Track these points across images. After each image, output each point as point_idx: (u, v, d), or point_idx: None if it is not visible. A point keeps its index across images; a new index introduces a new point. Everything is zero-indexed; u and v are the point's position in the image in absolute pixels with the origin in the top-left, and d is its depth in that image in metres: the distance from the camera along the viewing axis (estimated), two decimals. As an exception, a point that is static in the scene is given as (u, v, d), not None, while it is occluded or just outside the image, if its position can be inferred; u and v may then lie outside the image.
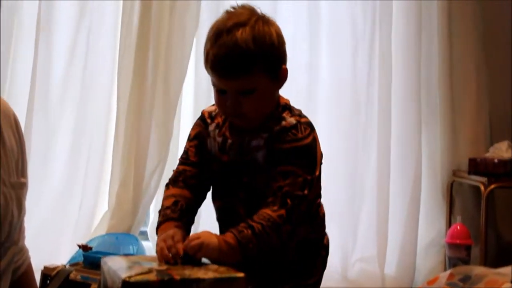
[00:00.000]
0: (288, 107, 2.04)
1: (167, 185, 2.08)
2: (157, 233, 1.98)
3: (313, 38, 3.99)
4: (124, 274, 1.44)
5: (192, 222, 2.04)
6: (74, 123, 3.78)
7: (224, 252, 1.80)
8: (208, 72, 1.96)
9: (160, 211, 2.03)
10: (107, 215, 3.71)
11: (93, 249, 3.07)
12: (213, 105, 2.09)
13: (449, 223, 3.95)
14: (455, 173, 3.98)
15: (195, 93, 3.91)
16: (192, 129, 2.13)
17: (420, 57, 4.01)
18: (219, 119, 2.07)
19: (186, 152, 2.11)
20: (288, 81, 3.83)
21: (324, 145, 3.91)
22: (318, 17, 3.99)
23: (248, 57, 1.90)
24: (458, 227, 3.81)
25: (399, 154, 3.99)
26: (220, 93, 1.96)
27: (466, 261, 3.70)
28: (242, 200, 2.00)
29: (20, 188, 1.78)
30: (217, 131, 2.06)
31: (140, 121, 3.72)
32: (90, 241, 3.40)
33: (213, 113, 2.09)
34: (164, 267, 1.60)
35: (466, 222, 3.86)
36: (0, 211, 1.67)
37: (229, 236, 1.83)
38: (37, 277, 2.42)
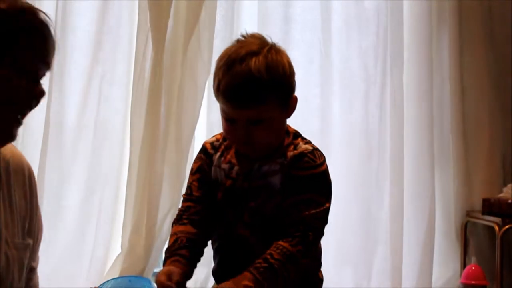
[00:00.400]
0: (299, 135, 2.07)
1: (172, 224, 2.08)
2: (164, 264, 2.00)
3: (325, 83, 4.01)
4: None
5: (200, 254, 2.04)
6: (87, 169, 3.80)
7: None
8: (218, 100, 1.97)
9: (166, 250, 2.02)
10: (120, 258, 3.71)
11: (107, 293, 3.07)
12: (214, 136, 2.14)
13: (464, 264, 3.93)
14: (469, 213, 3.96)
15: (207, 137, 3.92)
16: (194, 162, 2.13)
17: (432, 101, 4.02)
18: (223, 148, 2.08)
19: (189, 187, 2.11)
20: (300, 125, 3.84)
21: (337, 188, 3.92)
22: (330, 62, 4.02)
23: (261, 87, 1.90)
24: (473, 268, 3.79)
25: (412, 195, 3.98)
26: (229, 122, 1.96)
27: (482, 302, 3.68)
28: (247, 224, 2.00)
29: (23, 249, 1.75)
30: (222, 159, 2.07)
31: (153, 166, 3.73)
32: (103, 284, 3.39)
33: (215, 143, 2.11)
34: None
35: (481, 263, 3.84)
36: (2, 273, 1.65)
37: (246, 278, 1.82)
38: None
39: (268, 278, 1.83)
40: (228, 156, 2.06)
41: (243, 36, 2.01)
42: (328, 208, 1.98)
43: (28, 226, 1.78)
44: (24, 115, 1.63)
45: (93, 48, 3.82)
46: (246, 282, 1.80)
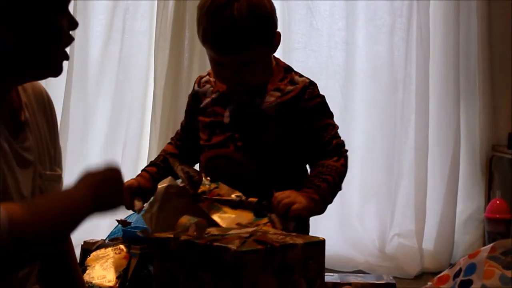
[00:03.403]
0: (291, 69, 2.13)
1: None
2: None
3: (350, 16, 3.99)
4: (233, 246, 1.47)
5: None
6: (112, 102, 3.83)
7: (311, 209, 1.92)
8: (205, 47, 2.00)
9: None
10: (145, 192, 3.74)
11: (132, 224, 3.10)
12: (207, 72, 2.18)
13: (488, 198, 3.93)
14: (494, 147, 3.95)
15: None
16: (188, 96, 2.25)
17: (458, 32, 3.98)
18: (212, 82, 2.13)
19: (177, 132, 2.31)
20: (325, 59, 3.86)
21: (362, 122, 3.96)
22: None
23: (247, 33, 1.93)
24: (498, 202, 3.80)
25: (437, 129, 3.97)
26: (218, 64, 2.01)
27: (506, 236, 3.68)
28: (239, 148, 2.06)
29: (54, 181, 1.77)
30: (211, 89, 2.13)
31: (177, 100, 3.75)
32: (129, 216, 3.42)
33: (206, 77, 2.17)
34: (254, 233, 1.64)
35: (506, 197, 3.84)
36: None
37: (311, 192, 1.94)
38: (77, 252, 2.46)
39: (327, 191, 1.98)
40: (217, 86, 2.12)
41: None
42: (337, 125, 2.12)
43: (54, 156, 1.80)
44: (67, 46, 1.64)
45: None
46: (312, 195, 1.93)
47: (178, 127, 3.65)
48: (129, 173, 3.79)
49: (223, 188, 1.92)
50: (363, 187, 3.89)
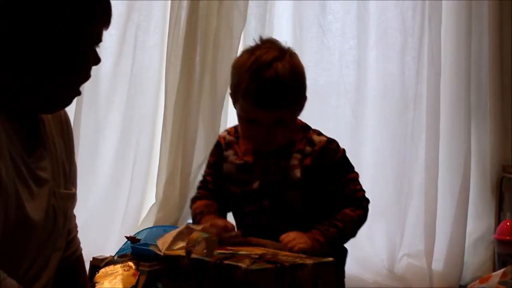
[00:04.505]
0: (308, 127, 2.25)
1: (192, 202, 2.33)
2: (198, 223, 2.17)
3: (361, 35, 3.99)
4: (243, 264, 1.47)
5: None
6: (123, 117, 3.82)
7: (315, 249, 2.01)
8: (243, 103, 2.10)
9: (196, 214, 2.25)
10: (154, 208, 3.75)
11: (141, 241, 3.10)
12: (226, 130, 2.33)
13: (499, 219, 3.91)
14: (505, 168, 3.94)
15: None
16: (210, 156, 2.34)
17: (470, 52, 3.98)
18: (236, 147, 2.25)
19: (205, 178, 2.34)
20: (336, 77, 3.87)
21: (372, 140, 3.95)
22: (367, 13, 3.98)
23: (288, 91, 2.07)
24: (508, 224, 3.77)
25: (448, 149, 3.97)
26: (250, 122, 2.12)
27: (515, 258, 3.67)
28: (268, 214, 2.18)
29: (68, 199, 1.77)
30: (235, 157, 2.24)
31: (188, 115, 3.75)
32: (138, 233, 3.42)
33: (227, 138, 2.28)
34: (263, 254, 1.64)
35: (516, 219, 3.82)
36: (49, 223, 1.67)
37: (317, 234, 2.08)
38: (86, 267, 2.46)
39: (335, 236, 2.11)
40: (240, 154, 2.23)
41: (261, 41, 2.16)
42: (358, 176, 2.24)
43: (68, 173, 1.81)
44: (82, 83, 1.66)
45: (129, -3, 3.82)
46: (317, 237, 2.07)
47: (189, 143, 3.71)
48: (138, 188, 3.85)
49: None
50: (373, 206, 3.81)
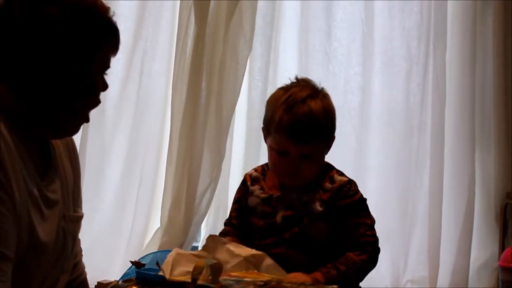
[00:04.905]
0: (331, 166, 2.36)
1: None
2: None
3: (366, 62, 4.00)
4: None
5: None
6: (128, 142, 3.83)
7: None
8: (275, 135, 2.24)
9: None
10: (159, 232, 3.75)
11: (146, 266, 3.09)
12: (254, 168, 2.45)
13: (503, 246, 3.90)
14: (509, 195, 3.93)
15: (248, 115, 3.95)
16: (236, 192, 2.46)
17: (474, 80, 3.99)
18: (262, 182, 2.38)
19: (230, 214, 2.46)
20: (341, 103, 3.88)
21: (376, 167, 3.96)
22: (371, 41, 4.00)
23: (320, 127, 2.22)
24: (512, 251, 3.77)
25: (452, 175, 3.96)
26: (281, 154, 2.25)
27: (519, 285, 3.66)
28: (290, 246, 2.27)
29: (77, 221, 1.80)
30: (260, 191, 2.35)
31: (193, 141, 3.75)
32: (143, 257, 3.42)
33: (254, 175, 2.41)
34: (268, 281, 1.65)
35: (520, 246, 3.81)
36: (58, 245, 1.69)
37: (319, 275, 2.15)
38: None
39: (336, 278, 2.15)
40: (266, 189, 2.35)
41: (296, 79, 2.33)
42: (373, 222, 2.34)
43: (77, 197, 1.83)
44: (91, 109, 1.69)
45: (136, 23, 3.83)
46: (318, 278, 2.13)
47: (194, 168, 3.72)
48: (143, 212, 3.85)
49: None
50: (377, 231, 3.86)
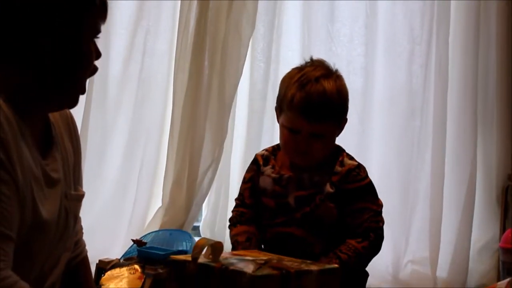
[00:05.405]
0: (342, 150, 2.37)
1: (230, 226, 2.44)
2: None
3: (369, 42, 4.00)
4: (248, 270, 1.48)
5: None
6: (130, 122, 3.83)
7: None
8: (288, 113, 2.25)
9: (235, 244, 2.36)
10: (160, 211, 3.75)
11: (147, 245, 3.11)
12: (265, 149, 2.47)
13: (504, 227, 3.91)
14: (510, 177, 3.94)
15: (250, 94, 3.95)
16: (247, 172, 2.47)
17: (477, 61, 3.98)
18: (273, 161, 2.39)
19: (241, 194, 2.46)
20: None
21: (378, 148, 3.96)
22: (375, 21, 3.99)
23: (332, 106, 2.21)
24: (513, 232, 3.77)
25: (454, 157, 3.96)
26: (293, 132, 2.25)
27: (520, 266, 3.67)
28: (300, 225, 2.29)
29: (78, 200, 1.80)
30: (272, 170, 2.37)
31: (195, 120, 3.75)
32: (144, 236, 3.43)
33: (265, 155, 2.43)
34: (269, 259, 1.65)
35: (521, 228, 3.82)
36: (61, 224, 1.70)
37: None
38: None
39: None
40: (277, 168, 2.36)
41: (310, 60, 2.33)
42: (380, 208, 2.35)
43: (78, 174, 1.83)
44: (88, 77, 1.68)
45: (138, 2, 3.82)
46: None
47: (196, 148, 3.72)
48: (145, 192, 3.86)
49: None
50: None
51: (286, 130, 2.27)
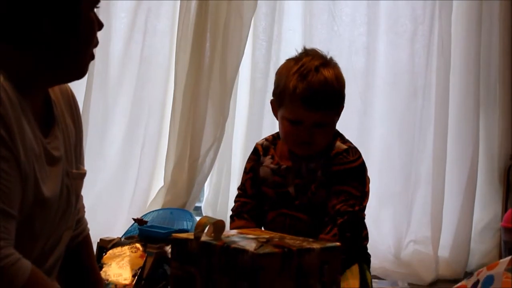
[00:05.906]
0: (339, 134, 2.35)
1: (232, 217, 2.42)
2: None
3: (371, 22, 3.99)
4: (250, 248, 1.48)
5: None
6: (132, 101, 3.84)
7: None
8: (289, 104, 2.22)
9: None
10: (162, 191, 3.76)
11: (148, 223, 3.12)
12: (264, 138, 2.45)
13: (505, 207, 3.91)
14: (512, 157, 3.94)
15: (252, 75, 3.94)
16: (247, 162, 2.45)
17: (480, 40, 3.97)
18: (272, 151, 2.38)
19: (243, 184, 2.44)
20: (345, 64, 3.88)
21: (380, 128, 3.95)
22: (377, 0, 3.98)
23: (334, 94, 2.22)
24: (515, 211, 3.78)
25: (456, 137, 3.96)
26: (294, 123, 2.23)
27: (522, 246, 3.68)
28: (297, 208, 2.29)
29: (80, 178, 1.80)
30: (271, 160, 2.36)
31: (197, 101, 3.76)
32: (145, 215, 3.44)
33: (265, 144, 2.41)
34: (271, 237, 1.65)
35: (523, 207, 3.82)
36: (62, 203, 1.69)
37: None
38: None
39: None
40: (276, 158, 2.35)
41: (304, 50, 2.30)
42: (362, 195, 2.28)
43: (79, 153, 1.83)
44: (92, 47, 1.67)
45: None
46: None
47: (197, 128, 3.73)
48: (147, 171, 3.86)
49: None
50: (380, 193, 3.87)
51: (288, 122, 2.25)
